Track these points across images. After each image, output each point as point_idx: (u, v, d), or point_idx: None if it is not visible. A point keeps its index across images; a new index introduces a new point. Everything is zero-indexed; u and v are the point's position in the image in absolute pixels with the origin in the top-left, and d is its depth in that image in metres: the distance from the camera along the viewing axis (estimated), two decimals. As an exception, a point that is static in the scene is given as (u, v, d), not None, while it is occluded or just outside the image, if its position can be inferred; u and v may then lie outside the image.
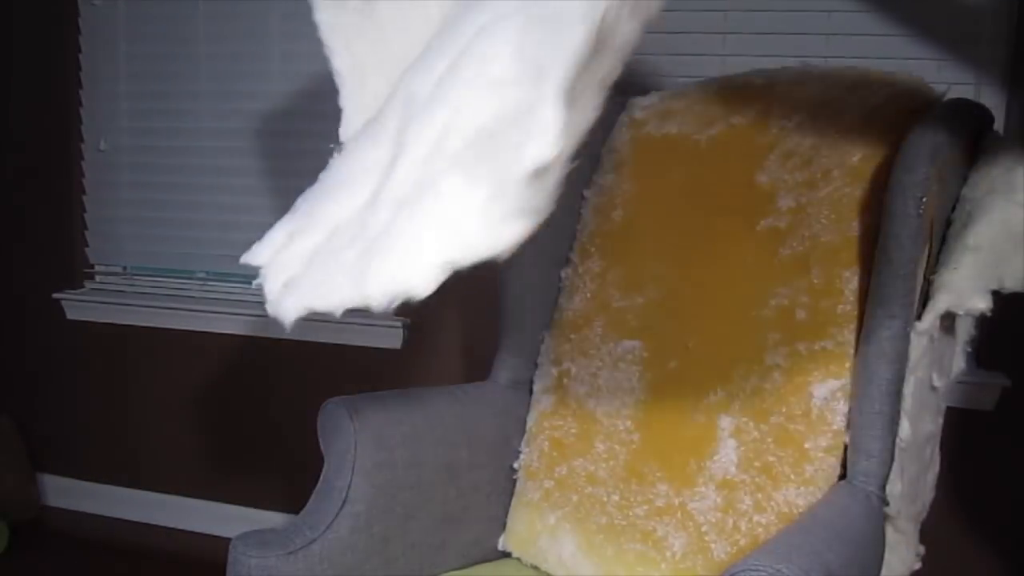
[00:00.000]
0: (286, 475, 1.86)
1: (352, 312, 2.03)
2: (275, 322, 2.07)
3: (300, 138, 1.76)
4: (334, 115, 1.95)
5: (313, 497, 1.02)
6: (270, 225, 1.83)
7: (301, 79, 1.75)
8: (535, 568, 1.10)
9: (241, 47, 1.78)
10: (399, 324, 1.71)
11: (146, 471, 1.98)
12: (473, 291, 1.67)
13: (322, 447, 1.06)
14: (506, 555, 1.14)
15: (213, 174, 1.85)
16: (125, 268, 1.98)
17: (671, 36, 1.50)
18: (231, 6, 1.77)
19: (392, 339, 1.73)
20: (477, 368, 1.67)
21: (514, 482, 1.16)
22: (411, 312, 1.72)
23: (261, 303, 2.15)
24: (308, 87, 1.74)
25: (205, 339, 1.88)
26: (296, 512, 1.88)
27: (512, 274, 1.26)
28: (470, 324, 1.69)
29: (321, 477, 1.03)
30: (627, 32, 0.55)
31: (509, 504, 1.16)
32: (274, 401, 1.86)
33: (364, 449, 1.01)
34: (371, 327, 1.74)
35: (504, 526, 1.15)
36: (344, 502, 0.98)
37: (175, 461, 1.95)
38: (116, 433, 2.00)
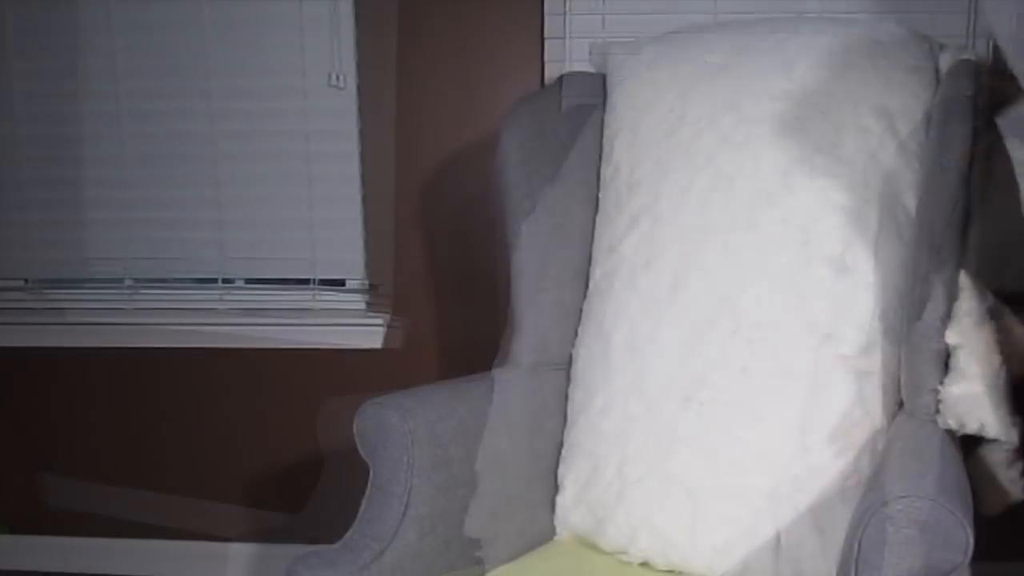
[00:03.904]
0: (248, 502, 1.78)
1: (327, 312, 1.91)
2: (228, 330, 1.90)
3: (226, 119, 1.66)
4: (256, 93, 1.86)
5: (366, 506, 1.00)
6: (209, 222, 1.77)
7: (217, 57, 1.65)
8: (591, 547, 1.14)
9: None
10: (380, 323, 1.68)
11: (76, 516, 1.81)
12: (449, 284, 1.68)
13: (364, 453, 1.03)
14: (546, 540, 1.18)
15: (137, 164, 1.70)
16: (27, 280, 1.79)
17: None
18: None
19: (373, 339, 1.69)
20: (465, 361, 1.67)
21: (550, 466, 1.19)
22: (391, 308, 1.69)
23: (210, 308, 2.04)
24: (224, 63, 1.65)
25: (142, 356, 1.75)
26: (267, 540, 1.80)
27: (524, 255, 1.28)
28: (453, 319, 1.69)
29: (370, 484, 1.01)
30: None
31: (547, 490, 1.19)
32: (236, 419, 1.76)
33: (420, 449, 1.00)
34: (350, 327, 1.69)
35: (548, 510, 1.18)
36: (407, 506, 0.98)
37: (116, 503, 1.80)
38: (34, 477, 1.81)
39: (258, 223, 1.71)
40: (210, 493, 1.78)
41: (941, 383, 0.94)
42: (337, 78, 1.64)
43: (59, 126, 1.70)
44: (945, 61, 1.07)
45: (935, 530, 0.69)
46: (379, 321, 1.67)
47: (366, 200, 1.67)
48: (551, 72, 1.59)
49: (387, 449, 1.00)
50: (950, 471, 0.76)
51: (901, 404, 1.01)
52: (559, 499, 1.18)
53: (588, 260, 1.28)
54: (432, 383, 1.15)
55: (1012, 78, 0.92)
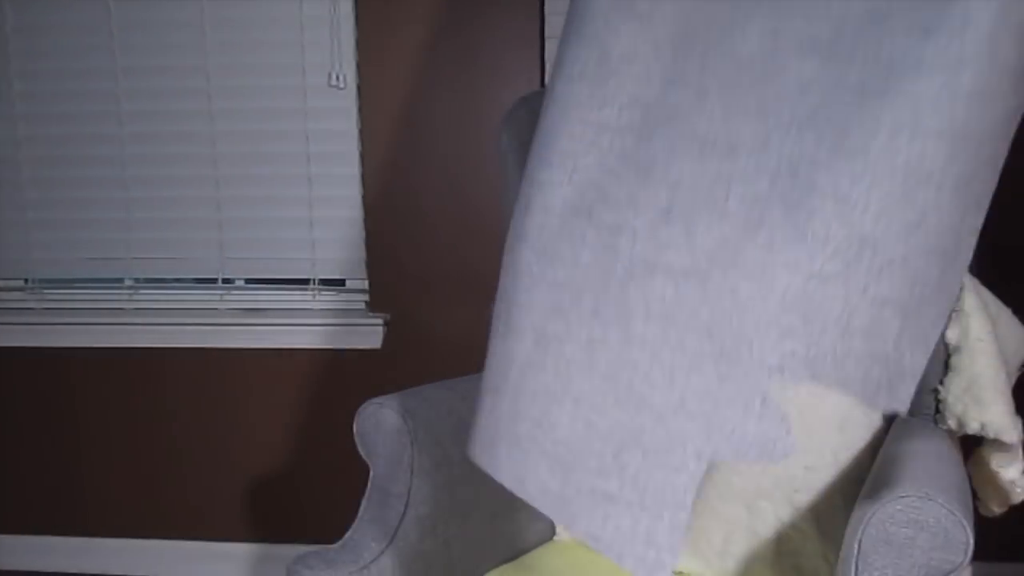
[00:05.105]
0: (248, 502, 1.78)
1: (327, 312, 1.93)
2: (228, 330, 1.90)
3: (226, 119, 1.67)
4: (256, 93, 1.87)
5: (366, 507, 1.00)
6: (209, 222, 1.76)
7: (217, 57, 1.66)
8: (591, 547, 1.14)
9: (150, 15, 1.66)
10: (380, 323, 1.68)
11: (77, 516, 1.81)
12: (449, 284, 1.68)
13: (364, 452, 1.03)
14: (545, 540, 1.18)
15: (137, 164, 1.71)
16: (27, 280, 1.79)
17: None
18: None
19: (373, 339, 1.69)
20: (461, 360, 1.68)
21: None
22: (391, 308, 1.70)
23: (210, 308, 2.05)
24: (224, 63, 1.66)
25: (142, 356, 1.75)
26: (267, 540, 1.81)
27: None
28: (453, 319, 1.69)
29: (370, 484, 1.01)
30: None
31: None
32: (236, 419, 1.76)
33: (421, 448, 1.00)
34: (350, 327, 1.69)
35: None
36: (406, 506, 0.97)
37: (120, 501, 1.80)
38: (35, 478, 1.81)
39: (258, 223, 1.71)
40: (210, 493, 1.79)
41: (941, 383, 0.94)
42: (337, 78, 1.64)
43: (59, 126, 1.71)
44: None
45: (935, 530, 0.69)
46: (379, 321, 1.67)
47: (366, 200, 1.68)
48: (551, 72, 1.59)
49: (387, 449, 1.00)
50: (950, 471, 0.76)
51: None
52: (559, 499, 1.17)
53: (588, 260, 1.28)
54: (432, 383, 1.15)
55: None
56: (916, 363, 0.64)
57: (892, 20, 0.64)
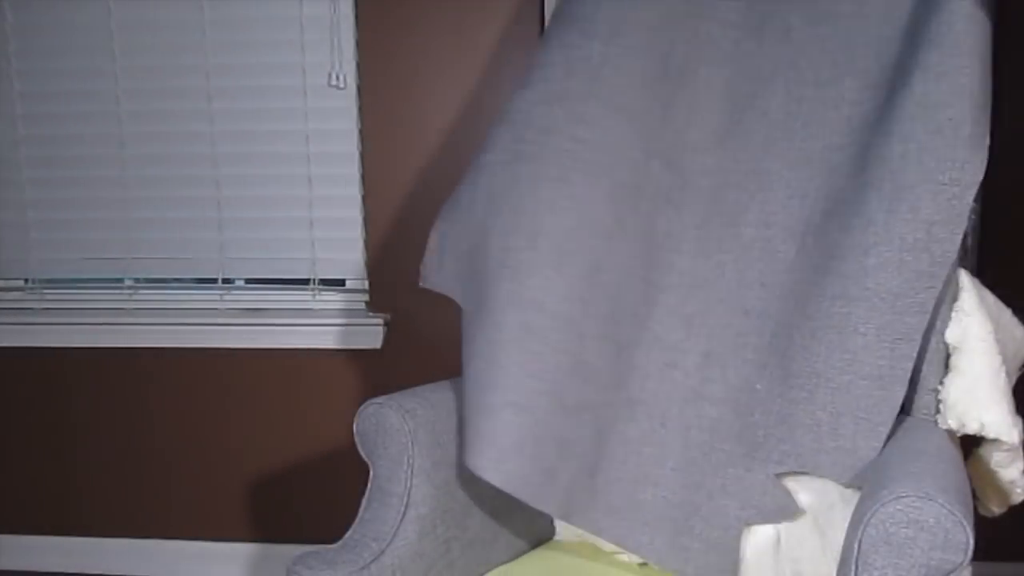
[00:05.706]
0: (248, 502, 1.78)
1: (327, 312, 1.92)
2: (228, 330, 1.91)
3: (226, 119, 1.67)
4: (256, 93, 1.87)
5: (366, 507, 1.00)
6: (209, 222, 1.78)
7: (217, 57, 1.66)
8: (591, 547, 1.14)
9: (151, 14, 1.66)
10: (380, 323, 1.68)
11: (77, 516, 1.81)
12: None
13: (365, 453, 1.03)
14: (546, 540, 1.18)
15: (137, 164, 1.71)
16: (27, 280, 1.79)
17: None
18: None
19: (373, 339, 1.69)
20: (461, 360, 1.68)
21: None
22: (391, 308, 1.69)
23: (210, 308, 2.04)
24: (224, 63, 1.66)
25: (142, 356, 1.75)
26: (267, 540, 1.80)
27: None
28: (453, 319, 1.69)
29: (370, 484, 1.01)
30: None
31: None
32: (235, 419, 1.76)
33: (421, 448, 1.00)
34: (350, 327, 1.69)
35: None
36: (406, 506, 0.97)
37: (120, 501, 1.80)
38: (35, 478, 1.81)
39: (258, 223, 1.71)
40: (210, 493, 1.79)
41: (941, 383, 0.94)
42: (337, 78, 1.64)
43: (59, 126, 1.71)
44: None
45: (935, 530, 0.69)
46: (379, 321, 1.67)
47: (366, 200, 1.67)
48: (551, 72, 1.58)
49: (387, 449, 1.00)
50: (950, 471, 0.76)
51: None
52: (559, 499, 1.18)
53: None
54: (432, 383, 1.15)
55: None
56: (869, 451, 0.90)
57: (833, 219, 0.97)
